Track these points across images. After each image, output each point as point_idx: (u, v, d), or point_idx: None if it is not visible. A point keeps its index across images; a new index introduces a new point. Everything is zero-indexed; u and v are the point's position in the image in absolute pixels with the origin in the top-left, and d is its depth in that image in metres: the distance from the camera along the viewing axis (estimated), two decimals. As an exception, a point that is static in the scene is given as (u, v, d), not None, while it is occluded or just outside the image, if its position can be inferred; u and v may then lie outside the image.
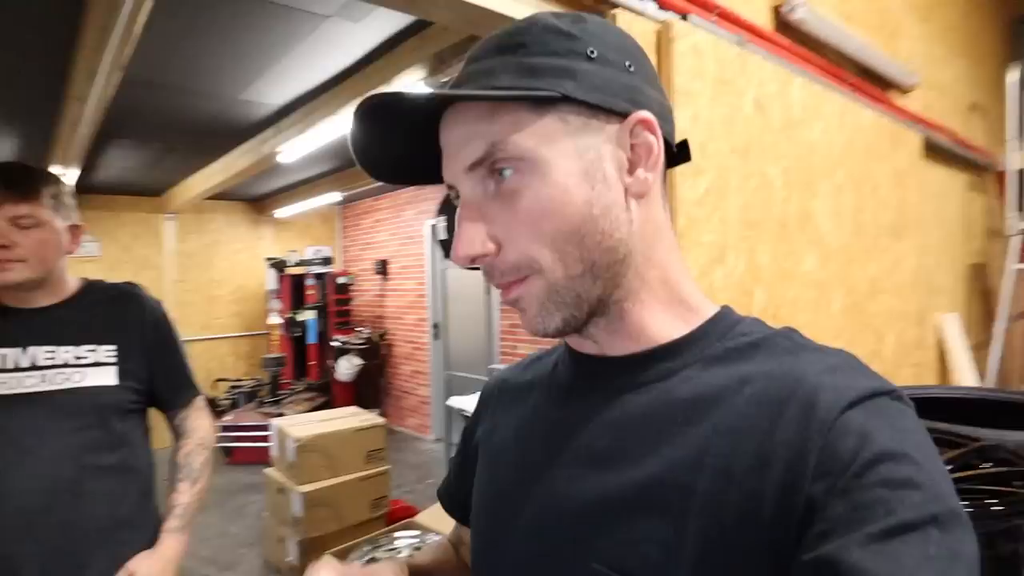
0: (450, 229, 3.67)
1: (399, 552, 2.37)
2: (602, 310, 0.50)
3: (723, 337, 0.49)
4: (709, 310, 0.52)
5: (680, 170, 1.41)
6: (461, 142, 0.48)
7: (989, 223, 3.76)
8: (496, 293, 5.10)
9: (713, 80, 1.53)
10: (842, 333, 2.17)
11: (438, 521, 2.84)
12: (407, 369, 6.19)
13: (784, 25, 1.94)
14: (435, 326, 5.77)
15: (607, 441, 0.49)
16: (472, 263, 0.49)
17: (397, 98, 0.45)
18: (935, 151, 2.98)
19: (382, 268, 6.42)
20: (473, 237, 0.48)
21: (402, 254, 6.24)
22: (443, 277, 4.39)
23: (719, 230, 1.54)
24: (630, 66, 0.49)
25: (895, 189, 2.50)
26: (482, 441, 0.63)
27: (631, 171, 0.49)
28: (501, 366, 4.75)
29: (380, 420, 3.37)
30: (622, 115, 0.48)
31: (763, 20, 1.87)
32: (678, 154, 0.54)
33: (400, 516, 3.18)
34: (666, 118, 0.51)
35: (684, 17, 1.48)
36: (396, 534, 2.45)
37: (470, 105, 0.47)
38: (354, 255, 7.07)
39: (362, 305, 6.78)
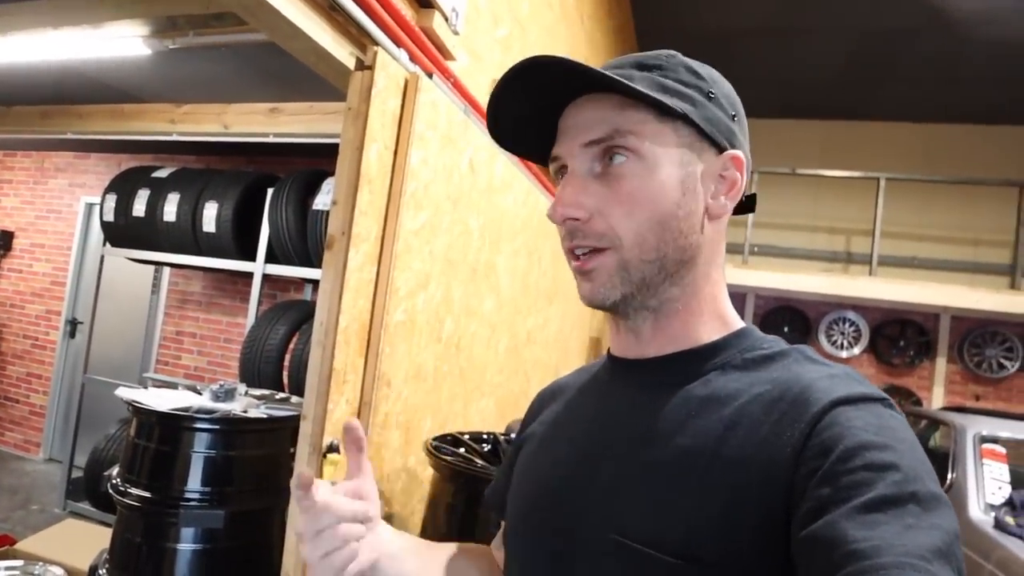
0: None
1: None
2: (656, 304, 0.57)
3: (744, 349, 0.57)
4: (737, 326, 0.59)
5: (405, 201, 1.61)
6: (588, 122, 0.55)
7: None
8: (164, 295, 4.57)
9: (442, 134, 1.80)
10: (504, 369, 2.59)
11: (49, 549, 2.36)
12: (19, 371, 4.96)
13: (499, 109, 2.35)
14: (71, 322, 4.79)
15: (637, 430, 0.56)
16: (564, 222, 0.56)
17: (565, 63, 0.52)
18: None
19: (3, 241, 5.11)
20: (575, 200, 0.55)
21: (37, 229, 5.09)
22: (97, 267, 3.73)
23: (428, 261, 1.78)
24: (734, 116, 0.58)
25: (553, 263, 3.14)
26: (533, 436, 0.69)
27: (714, 196, 0.57)
28: (157, 375, 4.18)
29: (-19, 422, 2.64)
30: (720, 149, 0.57)
31: (484, 99, 2.25)
32: (746, 203, 0.61)
33: (-12, 545, 2.51)
34: (748, 169, 0.59)
35: (430, 76, 1.72)
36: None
37: (604, 96, 0.55)
38: (-41, 218, 5.47)
39: (-42, 283, 5.25)
